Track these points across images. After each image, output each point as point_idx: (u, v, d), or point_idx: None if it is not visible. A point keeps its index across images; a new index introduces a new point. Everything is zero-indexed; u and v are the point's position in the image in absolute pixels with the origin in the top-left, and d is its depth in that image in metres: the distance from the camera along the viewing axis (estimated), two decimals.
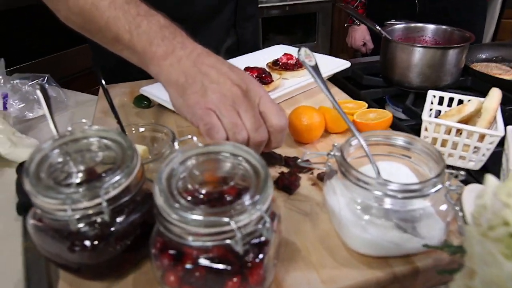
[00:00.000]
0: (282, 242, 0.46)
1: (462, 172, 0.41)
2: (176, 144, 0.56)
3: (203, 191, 0.38)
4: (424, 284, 0.45)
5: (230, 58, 0.95)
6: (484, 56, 1.16)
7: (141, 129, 0.62)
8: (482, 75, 0.98)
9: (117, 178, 0.37)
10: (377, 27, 0.94)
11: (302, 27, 3.46)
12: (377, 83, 0.99)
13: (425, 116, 0.61)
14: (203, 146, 0.41)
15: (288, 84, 0.86)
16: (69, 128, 0.41)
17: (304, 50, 0.51)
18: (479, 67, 1.05)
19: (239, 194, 0.37)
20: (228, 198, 0.37)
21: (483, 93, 0.94)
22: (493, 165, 0.62)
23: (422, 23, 1.02)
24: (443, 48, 0.85)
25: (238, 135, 0.48)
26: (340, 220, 0.45)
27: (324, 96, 0.85)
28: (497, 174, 0.59)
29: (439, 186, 0.39)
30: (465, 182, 0.60)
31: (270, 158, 0.60)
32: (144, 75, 0.56)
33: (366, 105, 0.74)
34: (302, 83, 0.79)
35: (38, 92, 0.46)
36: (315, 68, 0.50)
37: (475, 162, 0.62)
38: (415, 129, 0.78)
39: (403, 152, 0.49)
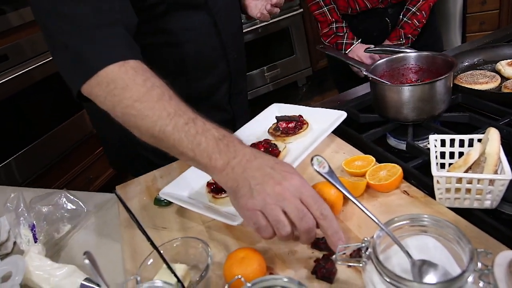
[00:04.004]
0: None
1: (490, 251, 0.45)
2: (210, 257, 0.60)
3: None
4: None
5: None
6: (466, 63, 1.20)
7: (176, 244, 0.66)
8: (470, 90, 1.02)
9: None
10: (364, 71, 0.98)
11: (279, 44, 3.51)
12: (374, 119, 1.03)
13: (434, 171, 0.65)
14: (250, 285, 0.44)
15: (293, 149, 0.90)
16: None
17: (316, 159, 0.54)
18: (465, 78, 1.09)
19: None
20: None
21: (475, 107, 0.99)
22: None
23: (403, 52, 1.06)
24: (430, 82, 0.88)
25: (282, 230, 0.56)
26: None
27: (330, 152, 0.89)
28: None
29: (471, 278, 0.42)
30: (485, 223, 0.64)
31: None
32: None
33: (374, 160, 0.78)
34: (308, 149, 0.82)
35: (87, 261, 0.49)
36: (330, 173, 0.54)
37: (490, 201, 0.65)
38: (423, 168, 0.81)
39: (429, 229, 0.52)
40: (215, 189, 0.78)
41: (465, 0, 3.22)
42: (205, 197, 0.80)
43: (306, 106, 1.03)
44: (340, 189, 0.55)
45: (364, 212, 0.53)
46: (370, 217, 0.52)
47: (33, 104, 2.29)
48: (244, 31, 3.31)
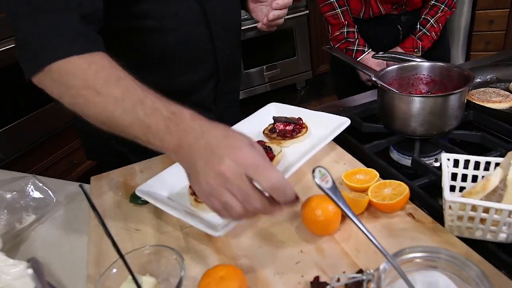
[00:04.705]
0: None
1: None
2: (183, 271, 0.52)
3: None
4: None
5: None
6: (479, 80, 1.13)
7: (146, 251, 0.57)
8: (482, 108, 0.95)
9: None
10: (372, 77, 0.90)
11: (281, 44, 3.44)
12: (378, 130, 0.95)
13: (447, 195, 0.57)
14: None
15: (289, 153, 0.81)
16: None
17: (319, 171, 0.46)
18: (477, 95, 1.02)
19: None
20: None
21: (487, 127, 0.92)
22: None
23: (413, 61, 0.99)
24: (444, 95, 0.81)
25: (232, 213, 0.53)
26: None
27: (330, 161, 0.81)
28: None
29: None
30: (498, 259, 0.57)
31: None
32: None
33: (377, 175, 0.70)
34: (306, 156, 0.74)
35: (30, 271, 0.40)
36: (333, 189, 0.46)
37: (506, 235, 0.57)
38: (429, 188, 0.74)
39: (441, 265, 0.44)
40: None
41: (472, 18, 3.17)
42: (187, 199, 0.72)
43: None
44: (345, 210, 0.46)
45: (372, 242, 0.45)
46: (379, 249, 0.44)
47: (21, 80, 2.18)
48: (247, 27, 3.23)
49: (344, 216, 0.62)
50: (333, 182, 0.47)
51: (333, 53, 1.09)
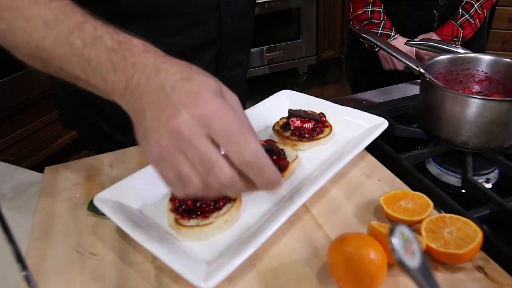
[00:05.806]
0: None
1: None
2: None
3: None
4: None
5: None
6: None
7: None
8: None
9: None
10: (419, 68, 0.70)
11: (285, 25, 3.20)
12: (415, 135, 0.76)
13: None
14: None
15: (307, 160, 0.62)
16: None
17: (400, 234, 0.26)
18: None
19: None
20: None
21: None
22: None
23: (455, 52, 0.80)
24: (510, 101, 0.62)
25: (187, 187, 0.38)
26: None
27: (359, 175, 0.61)
28: None
29: None
30: None
31: None
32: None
33: (431, 204, 0.51)
34: (332, 169, 0.54)
35: None
36: (424, 269, 0.26)
37: None
38: (489, 222, 0.56)
39: None
40: (180, 207, 0.49)
41: (491, 14, 2.97)
42: (165, 216, 0.52)
43: None
44: None
45: None
46: None
47: None
48: None
49: (389, 266, 0.43)
50: (422, 254, 0.27)
51: (362, 34, 0.88)
